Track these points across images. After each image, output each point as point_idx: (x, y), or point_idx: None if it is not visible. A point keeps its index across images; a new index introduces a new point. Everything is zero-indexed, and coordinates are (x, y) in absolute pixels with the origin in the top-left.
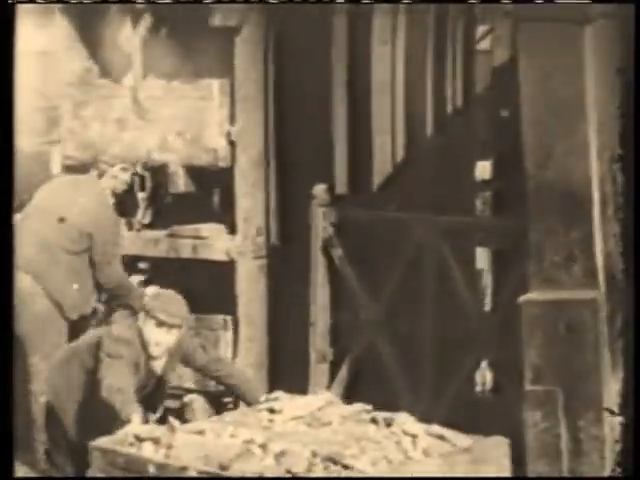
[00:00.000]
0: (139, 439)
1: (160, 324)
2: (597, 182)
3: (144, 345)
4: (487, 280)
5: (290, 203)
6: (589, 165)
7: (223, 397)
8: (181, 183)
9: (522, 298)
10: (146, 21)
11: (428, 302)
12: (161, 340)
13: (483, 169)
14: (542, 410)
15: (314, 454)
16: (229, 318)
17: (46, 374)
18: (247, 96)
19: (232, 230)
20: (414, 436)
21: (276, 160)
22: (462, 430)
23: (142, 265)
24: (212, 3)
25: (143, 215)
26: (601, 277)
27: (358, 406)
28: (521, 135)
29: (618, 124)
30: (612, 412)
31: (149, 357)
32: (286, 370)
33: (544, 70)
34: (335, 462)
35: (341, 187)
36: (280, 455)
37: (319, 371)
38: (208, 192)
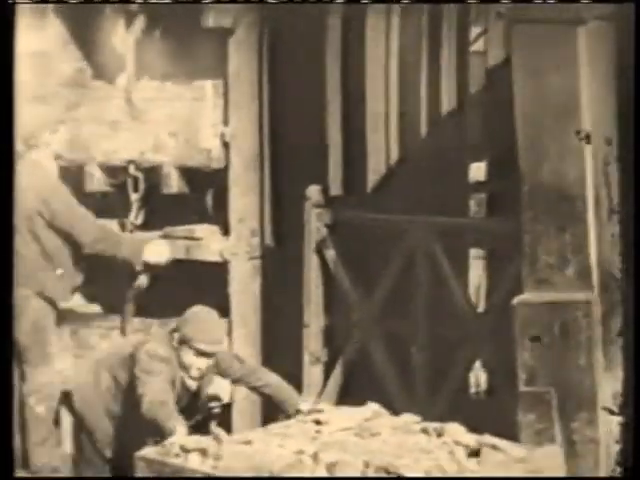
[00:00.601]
0: (185, 450)
1: (200, 354)
2: (591, 183)
3: (181, 364)
4: (481, 281)
5: (284, 204)
6: (583, 167)
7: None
8: (174, 184)
9: (516, 299)
10: (140, 22)
11: (422, 303)
12: (201, 365)
13: (477, 170)
14: (536, 411)
15: (366, 464)
16: (223, 320)
17: (59, 385)
18: (241, 97)
19: (226, 231)
20: (467, 446)
21: (270, 161)
22: None
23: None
24: (210, 3)
25: (136, 216)
26: (595, 278)
27: (407, 417)
28: (515, 136)
29: (614, 125)
30: (612, 412)
31: (188, 377)
32: (280, 371)
33: (538, 71)
34: (389, 472)
35: (335, 188)
36: (332, 466)
37: (313, 372)
38: (201, 193)
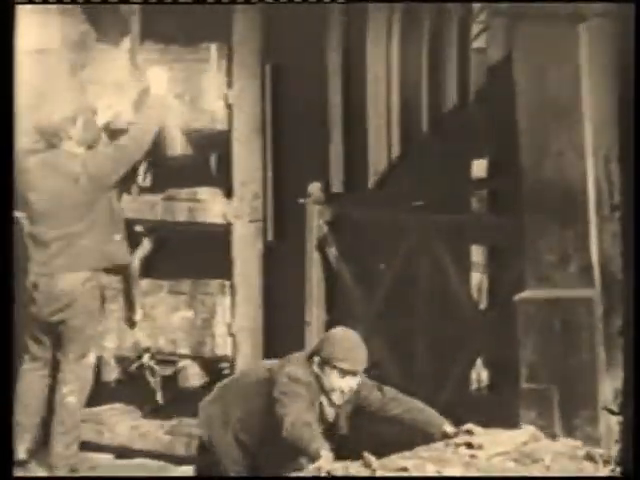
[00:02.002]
0: (332, 476)
1: (345, 373)
2: (593, 181)
3: (322, 389)
4: (483, 278)
5: (286, 201)
6: (585, 164)
7: (217, 363)
8: (179, 146)
9: (518, 296)
10: None
11: (423, 300)
12: (345, 387)
13: (479, 167)
14: (537, 408)
15: None
16: (227, 283)
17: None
18: (245, 60)
19: (229, 193)
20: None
21: (272, 127)
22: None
23: (138, 228)
24: (211, 3)
25: (143, 178)
26: (597, 276)
27: (567, 442)
28: (517, 133)
29: (615, 123)
30: (612, 411)
31: (329, 403)
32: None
33: (539, 68)
34: None
35: (336, 185)
36: None
37: None
38: (205, 155)
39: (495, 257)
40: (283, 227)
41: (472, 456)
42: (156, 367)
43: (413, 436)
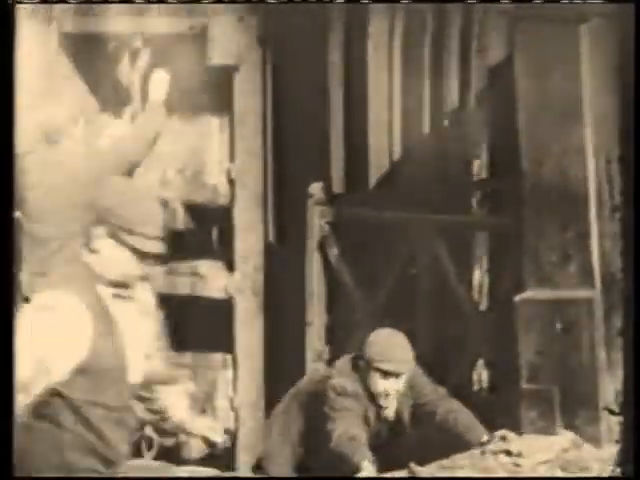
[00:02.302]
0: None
1: (387, 375)
2: (593, 181)
3: (371, 397)
4: (483, 279)
5: (287, 201)
6: (585, 164)
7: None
8: (180, 220)
9: (518, 297)
10: (145, 56)
11: (424, 301)
12: (390, 389)
13: (480, 168)
14: (538, 409)
15: None
16: (228, 357)
17: None
18: (246, 134)
19: (230, 267)
20: None
21: (273, 125)
22: None
23: None
24: (210, 3)
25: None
26: (597, 276)
27: (611, 448)
28: (517, 134)
29: (616, 123)
30: (612, 412)
31: (379, 408)
32: (282, 369)
33: (540, 69)
34: None
35: (338, 186)
36: None
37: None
38: (207, 229)
39: (495, 257)
40: (284, 228)
41: (516, 464)
42: (156, 438)
43: (453, 442)
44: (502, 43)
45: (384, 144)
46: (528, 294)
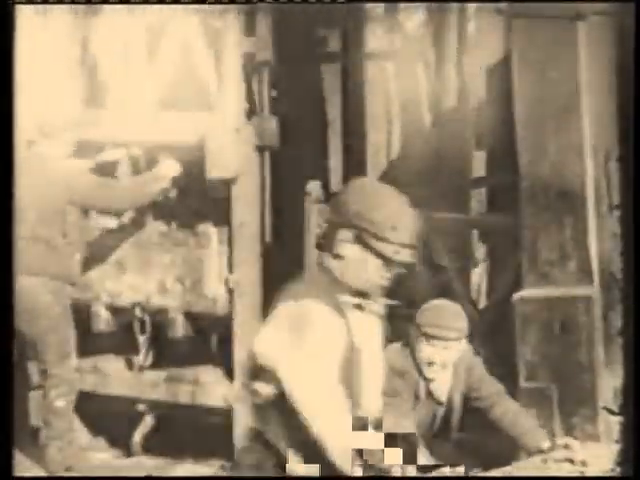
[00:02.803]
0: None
1: (431, 339)
2: (591, 179)
3: (420, 371)
4: (481, 277)
5: (284, 200)
6: (583, 162)
7: None
8: (180, 329)
9: (516, 295)
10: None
11: (422, 299)
12: (435, 358)
13: (478, 166)
14: (536, 407)
15: None
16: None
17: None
18: (245, 244)
19: (230, 374)
20: None
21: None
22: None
23: (140, 407)
24: (212, 3)
25: (145, 358)
26: (595, 274)
27: None
28: (515, 132)
29: (614, 122)
30: (612, 412)
31: (427, 381)
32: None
33: (538, 67)
34: None
35: (336, 184)
36: None
37: None
38: (207, 337)
39: (494, 256)
40: (281, 226)
41: (583, 473)
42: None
43: (506, 444)
44: (499, 41)
45: (382, 142)
46: (526, 292)
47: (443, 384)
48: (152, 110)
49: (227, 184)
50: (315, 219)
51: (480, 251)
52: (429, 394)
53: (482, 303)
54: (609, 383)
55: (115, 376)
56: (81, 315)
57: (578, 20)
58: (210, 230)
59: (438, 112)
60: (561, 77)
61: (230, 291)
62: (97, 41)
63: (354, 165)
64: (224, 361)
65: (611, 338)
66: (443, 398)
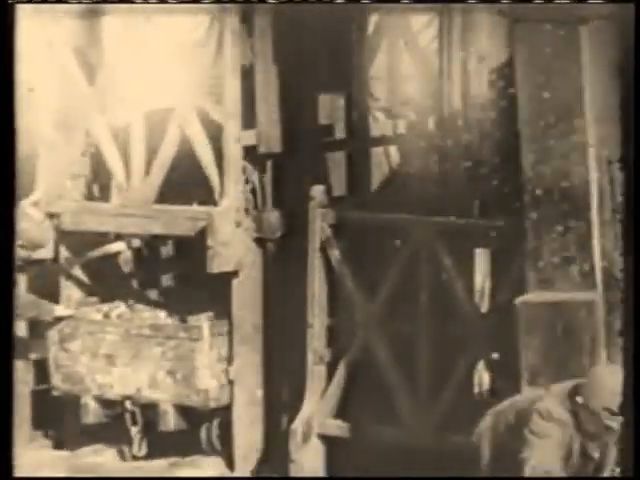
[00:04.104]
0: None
1: (599, 414)
2: (595, 183)
3: (579, 426)
4: (485, 281)
5: (288, 203)
6: (587, 166)
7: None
8: (172, 422)
9: (519, 299)
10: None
11: (425, 303)
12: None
13: (481, 170)
14: None
15: None
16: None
17: None
18: (245, 335)
19: (230, 465)
20: None
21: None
22: (459, 430)
23: None
24: (210, 3)
25: (139, 448)
26: (598, 278)
27: None
28: (519, 136)
29: (617, 125)
30: (612, 412)
31: (586, 438)
32: (283, 371)
33: (540, 70)
34: None
35: (339, 189)
36: None
37: (316, 372)
38: (200, 428)
39: (497, 259)
40: (285, 230)
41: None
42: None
43: None
44: (503, 44)
45: (387, 148)
46: (529, 296)
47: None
48: (152, 203)
49: (227, 278)
50: (319, 223)
51: (483, 255)
52: (583, 449)
53: (485, 307)
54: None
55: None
56: (71, 407)
57: (581, 24)
58: (203, 323)
59: (442, 116)
60: (564, 80)
61: (230, 382)
62: (99, 132)
63: (358, 170)
64: (224, 450)
65: (613, 342)
66: (597, 455)
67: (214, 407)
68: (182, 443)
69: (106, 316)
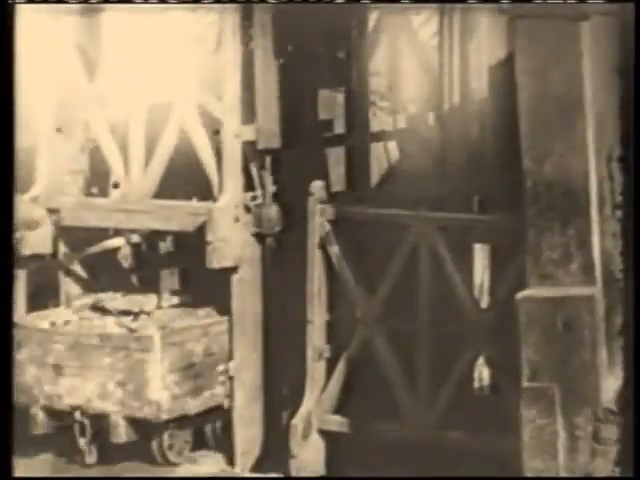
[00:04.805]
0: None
1: None
2: (595, 180)
3: None
4: (484, 277)
5: (287, 199)
6: (587, 162)
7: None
8: (123, 433)
9: (519, 295)
10: None
11: (425, 299)
12: None
13: (480, 166)
14: (539, 407)
15: None
16: None
17: None
18: (244, 332)
19: (231, 462)
20: None
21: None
22: (460, 426)
23: None
24: (210, 3)
25: (89, 455)
26: (598, 274)
27: None
28: (519, 133)
29: (617, 122)
30: (612, 412)
31: None
32: (283, 367)
33: (541, 67)
34: None
35: (339, 184)
36: None
37: (316, 368)
38: (150, 440)
39: (497, 255)
40: (285, 226)
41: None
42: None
43: None
44: (502, 42)
45: (386, 144)
46: (529, 292)
47: None
48: (151, 198)
49: (228, 273)
50: (318, 218)
51: (483, 251)
52: None
53: (485, 303)
54: (611, 383)
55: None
56: (20, 418)
57: (581, 20)
58: (154, 333)
59: (441, 111)
60: (564, 77)
61: (230, 379)
62: (98, 127)
63: (357, 166)
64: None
65: (613, 338)
66: None
67: (166, 419)
68: (132, 455)
69: (53, 325)
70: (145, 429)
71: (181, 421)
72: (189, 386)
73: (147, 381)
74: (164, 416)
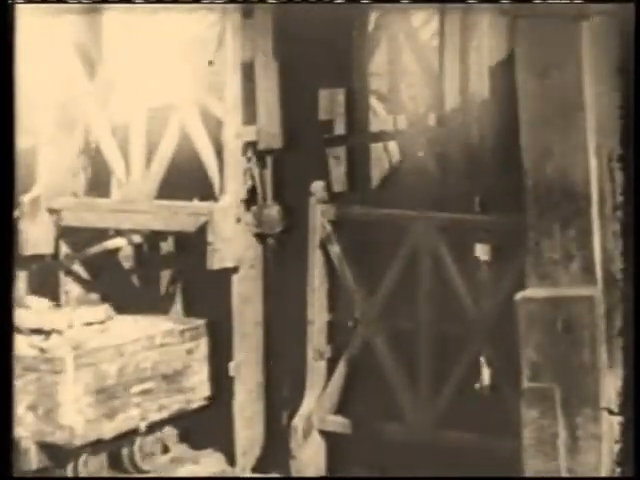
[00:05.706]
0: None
1: None
2: (595, 180)
3: None
4: (484, 276)
5: (288, 199)
6: (587, 163)
7: None
8: (33, 460)
9: (519, 295)
10: None
11: (425, 299)
12: None
13: (481, 166)
14: (539, 407)
15: None
16: None
17: None
18: (245, 332)
19: (231, 460)
20: None
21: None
22: (460, 426)
23: None
24: (209, 3)
25: None
26: (599, 274)
27: None
28: (519, 132)
29: (617, 122)
30: (612, 412)
31: None
32: (283, 367)
33: (541, 67)
34: None
35: (339, 184)
36: None
37: (316, 368)
38: (64, 467)
39: (497, 256)
40: (286, 226)
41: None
42: None
43: None
44: (503, 41)
45: (387, 144)
46: (529, 292)
47: None
48: (153, 198)
49: (229, 272)
50: (319, 219)
51: (483, 251)
52: None
53: (485, 303)
54: (612, 383)
55: None
56: None
57: (581, 20)
58: (65, 354)
59: (442, 113)
60: (565, 77)
61: (230, 378)
62: (99, 128)
63: (358, 166)
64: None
65: (614, 338)
66: None
67: (79, 445)
68: None
69: None
70: (58, 455)
71: (96, 446)
72: (104, 409)
73: (58, 405)
74: (77, 442)
